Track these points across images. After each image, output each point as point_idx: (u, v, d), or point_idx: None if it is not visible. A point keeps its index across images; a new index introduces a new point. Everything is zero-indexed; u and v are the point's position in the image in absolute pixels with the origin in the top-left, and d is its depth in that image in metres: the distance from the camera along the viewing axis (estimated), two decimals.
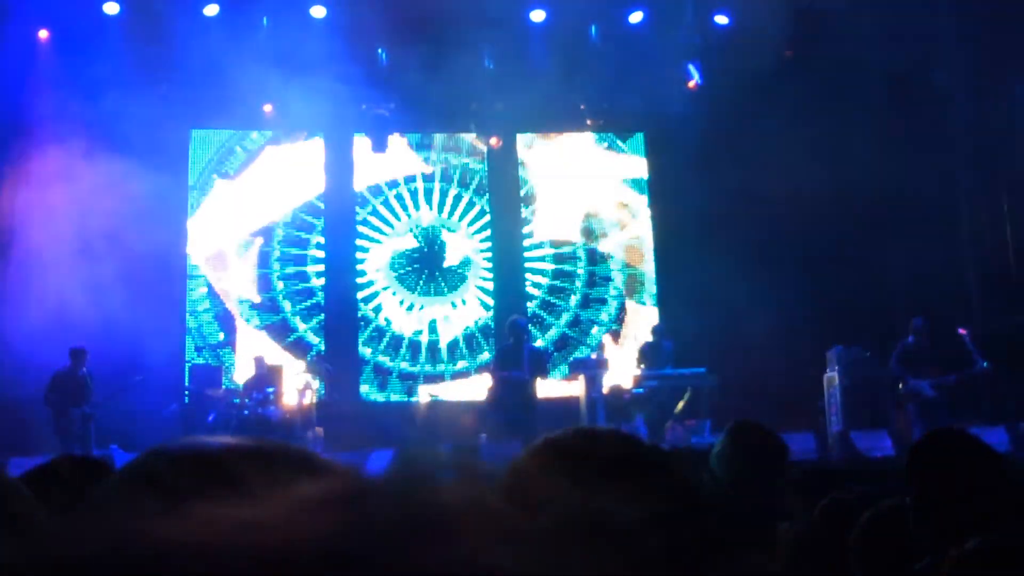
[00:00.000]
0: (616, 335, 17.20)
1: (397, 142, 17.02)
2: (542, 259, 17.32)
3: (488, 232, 17.21)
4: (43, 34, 15.05)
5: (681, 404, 14.13)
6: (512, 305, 16.23)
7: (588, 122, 17.30)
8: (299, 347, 16.31)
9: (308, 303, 16.58)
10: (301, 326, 16.45)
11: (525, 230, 17.35)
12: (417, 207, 17.16)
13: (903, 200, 15.17)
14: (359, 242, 16.86)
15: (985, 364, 12.72)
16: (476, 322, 16.87)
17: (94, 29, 15.08)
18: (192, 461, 0.72)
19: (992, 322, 14.48)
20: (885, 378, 13.24)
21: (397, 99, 16.25)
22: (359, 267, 16.77)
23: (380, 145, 16.71)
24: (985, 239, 15.90)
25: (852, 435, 12.86)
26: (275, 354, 15.78)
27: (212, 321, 16.22)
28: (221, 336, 16.16)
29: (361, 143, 16.86)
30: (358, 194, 16.97)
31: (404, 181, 17.18)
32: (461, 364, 16.72)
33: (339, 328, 16.47)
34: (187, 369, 15.56)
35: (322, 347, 16.29)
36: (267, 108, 16.13)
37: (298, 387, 14.24)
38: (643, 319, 17.03)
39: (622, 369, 15.16)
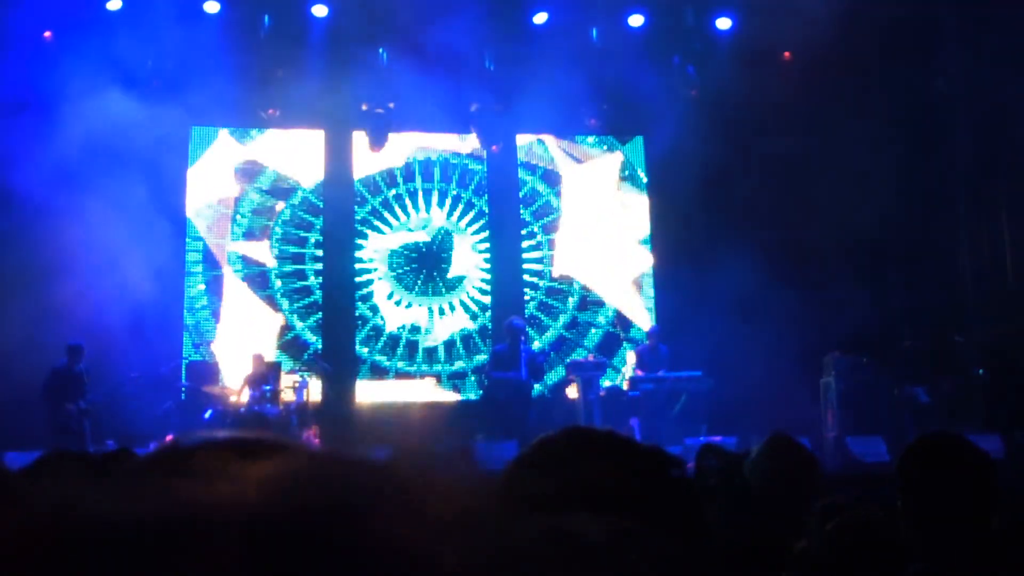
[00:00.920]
0: (615, 338, 17.20)
1: (396, 141, 17.02)
2: (540, 260, 17.32)
3: (487, 233, 17.21)
4: (47, 33, 15.02)
5: (677, 407, 14.15)
6: (509, 306, 16.24)
7: (591, 122, 17.29)
8: (296, 345, 16.33)
9: (306, 301, 16.57)
10: (298, 324, 16.45)
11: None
12: (416, 207, 17.16)
13: (903, 207, 15.19)
14: (357, 240, 16.86)
15: (980, 371, 12.75)
16: (475, 322, 16.87)
17: (96, 25, 15.07)
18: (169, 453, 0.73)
19: (988, 329, 14.49)
20: (881, 384, 13.26)
21: (397, 98, 16.26)
22: (357, 266, 16.76)
23: (379, 144, 16.74)
24: (982, 246, 15.91)
25: (848, 440, 12.89)
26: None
27: (209, 318, 16.21)
28: (218, 333, 16.16)
29: (361, 141, 16.87)
30: (357, 192, 16.98)
31: (403, 181, 17.19)
32: (457, 364, 16.73)
33: (336, 327, 16.46)
34: (184, 366, 15.55)
35: (319, 346, 16.30)
36: (271, 112, 16.19)
37: (294, 385, 14.27)
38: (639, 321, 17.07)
39: (619, 372, 15.19)
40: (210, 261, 16.38)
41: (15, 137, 14.05)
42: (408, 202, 17.16)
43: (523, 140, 17.55)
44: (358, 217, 16.91)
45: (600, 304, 17.29)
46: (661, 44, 16.37)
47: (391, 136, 16.81)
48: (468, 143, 17.32)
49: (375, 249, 16.90)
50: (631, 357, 15.90)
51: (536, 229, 17.42)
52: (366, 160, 17.00)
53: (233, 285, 16.39)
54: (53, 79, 14.48)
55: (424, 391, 16.43)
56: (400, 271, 16.91)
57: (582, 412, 14.07)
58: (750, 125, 15.70)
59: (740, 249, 15.21)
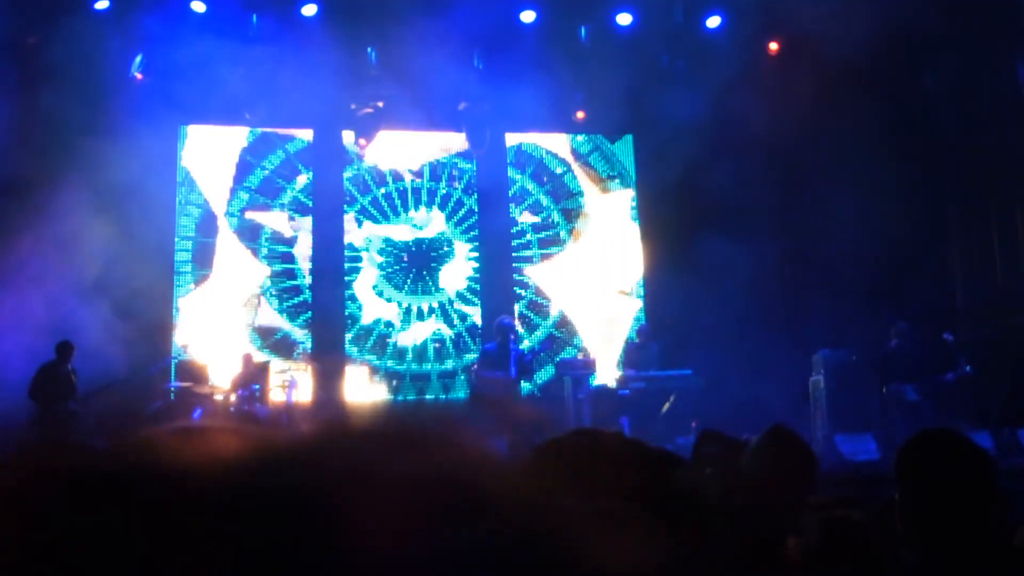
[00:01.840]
0: (603, 336, 17.22)
1: (385, 140, 17.03)
2: (530, 259, 17.32)
3: (476, 232, 17.22)
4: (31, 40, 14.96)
5: (666, 406, 14.16)
6: (499, 305, 16.25)
7: (578, 114, 17.28)
8: (285, 344, 16.32)
9: (295, 301, 16.55)
10: (287, 324, 16.43)
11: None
12: (406, 206, 17.15)
13: (894, 207, 15.20)
14: (347, 240, 16.86)
15: (968, 368, 12.78)
16: (462, 321, 16.87)
17: (83, 25, 15.02)
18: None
19: (977, 327, 14.53)
20: (870, 382, 13.28)
21: (386, 97, 16.25)
22: (347, 265, 16.76)
23: (368, 142, 16.78)
24: (973, 245, 15.97)
25: (837, 438, 12.91)
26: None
27: (199, 317, 16.18)
28: (208, 333, 16.13)
29: (350, 140, 16.90)
30: (346, 191, 16.97)
31: (392, 179, 17.18)
32: (446, 364, 16.72)
33: (326, 326, 16.45)
34: (173, 365, 15.51)
35: (308, 345, 16.29)
36: (246, 115, 16.25)
37: (283, 384, 14.26)
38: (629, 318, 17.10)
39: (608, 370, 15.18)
40: (199, 260, 16.35)
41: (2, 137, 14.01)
42: (397, 201, 17.14)
43: (512, 139, 17.57)
44: (347, 215, 16.91)
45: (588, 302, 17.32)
46: (650, 43, 16.36)
47: (379, 135, 16.82)
48: (457, 142, 17.31)
49: (366, 238, 16.91)
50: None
51: (526, 228, 17.42)
52: (355, 159, 17.01)
53: (223, 280, 16.38)
54: (41, 78, 14.44)
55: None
56: (390, 269, 16.90)
57: (571, 411, 14.08)
58: (740, 124, 15.71)
59: (729, 248, 15.22)
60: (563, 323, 17.23)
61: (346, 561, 0.63)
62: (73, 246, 13.84)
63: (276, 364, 15.76)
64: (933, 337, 13.05)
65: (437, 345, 16.68)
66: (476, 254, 17.18)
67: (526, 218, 17.49)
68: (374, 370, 16.50)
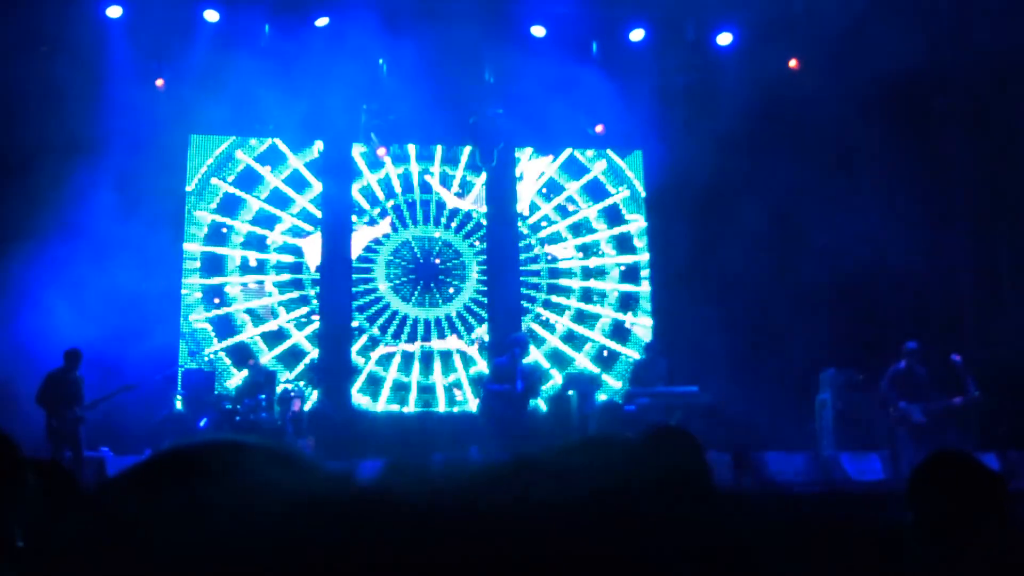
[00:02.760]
0: (610, 352, 17.19)
1: (395, 153, 17.08)
2: (538, 273, 17.32)
3: (484, 244, 17.22)
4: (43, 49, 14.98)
5: (672, 423, 14.11)
6: (506, 319, 16.26)
7: (597, 128, 17.28)
8: (292, 355, 16.33)
9: (302, 311, 16.56)
10: (294, 333, 16.43)
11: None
12: (415, 218, 17.16)
13: (904, 226, 15.17)
14: (355, 251, 16.87)
15: (977, 393, 12.71)
16: (470, 333, 16.86)
17: (96, 33, 15.08)
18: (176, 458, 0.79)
19: (986, 350, 14.48)
20: (877, 401, 13.25)
21: (397, 109, 16.28)
22: (355, 276, 16.76)
23: (378, 156, 16.83)
24: (981, 266, 15.94)
25: (843, 457, 12.88)
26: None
27: (205, 326, 16.20)
28: (215, 342, 16.14)
29: (359, 152, 16.94)
30: (356, 202, 16.99)
31: (402, 191, 17.20)
32: (452, 377, 16.71)
33: (333, 337, 16.45)
34: (180, 374, 15.52)
35: (315, 356, 16.29)
36: (259, 124, 16.29)
37: (288, 395, 14.19)
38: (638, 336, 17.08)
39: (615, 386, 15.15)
40: (207, 268, 16.37)
41: (13, 145, 14.05)
42: (406, 212, 17.16)
43: (522, 153, 17.57)
44: (356, 226, 16.92)
45: (596, 317, 17.29)
46: (661, 59, 16.36)
47: (390, 147, 16.86)
48: (467, 155, 17.33)
49: (373, 251, 16.93)
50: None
51: (534, 242, 17.42)
52: (365, 171, 17.04)
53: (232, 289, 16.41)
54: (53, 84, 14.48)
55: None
56: (398, 281, 16.91)
57: (577, 425, 14.06)
58: (750, 140, 15.71)
59: (738, 265, 15.23)
60: (569, 338, 17.20)
61: None
62: (80, 254, 13.86)
63: (283, 374, 15.76)
64: (941, 358, 13.01)
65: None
66: (483, 257, 17.17)
67: (534, 231, 17.48)
68: (379, 379, 16.51)
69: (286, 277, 16.63)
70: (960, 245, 16.20)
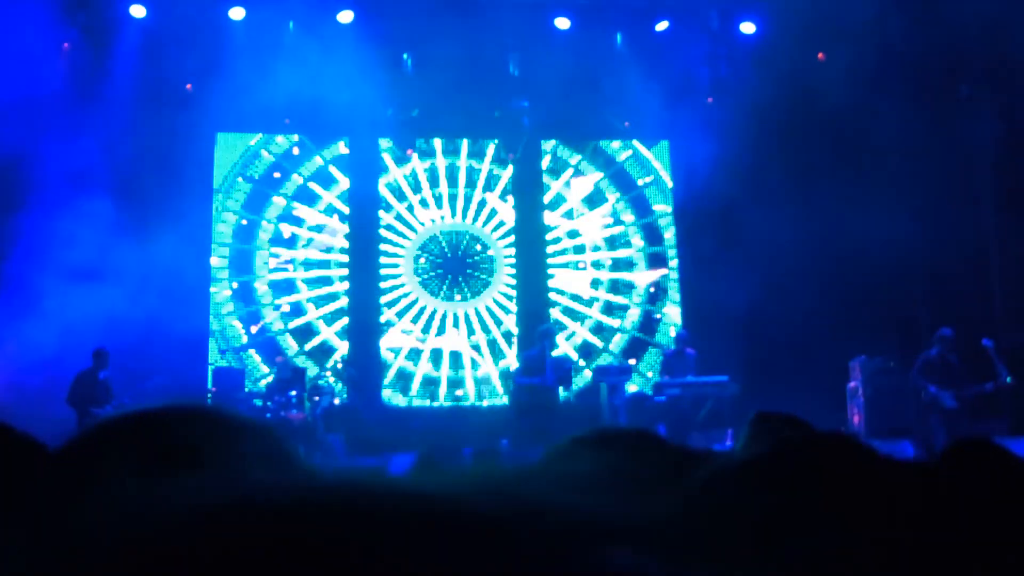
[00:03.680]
0: (640, 343, 17.18)
1: (422, 147, 17.11)
2: (566, 265, 17.30)
3: (512, 238, 17.22)
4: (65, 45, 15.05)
5: (702, 413, 14.08)
6: (535, 311, 16.27)
7: (625, 124, 17.27)
8: (322, 351, 16.38)
9: (332, 307, 16.60)
10: (324, 330, 16.48)
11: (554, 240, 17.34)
12: (441, 211, 17.18)
13: (932, 212, 15.08)
14: (383, 247, 16.89)
15: (1009, 379, 12.61)
16: (499, 327, 16.87)
17: (121, 31, 15.15)
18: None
19: (1017, 334, 14.37)
20: (908, 388, 13.18)
21: (422, 104, 16.30)
22: (383, 271, 16.79)
23: (404, 149, 16.87)
24: (1010, 251, 15.80)
25: (874, 444, 12.80)
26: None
27: (235, 324, 16.27)
28: (244, 339, 16.21)
29: (386, 147, 16.97)
30: (382, 198, 17.01)
31: (429, 185, 17.21)
32: (482, 371, 16.73)
33: (362, 332, 16.49)
34: (210, 372, 15.59)
35: (345, 351, 16.33)
36: (285, 121, 16.30)
37: (318, 391, 14.24)
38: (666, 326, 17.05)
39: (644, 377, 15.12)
40: (236, 266, 16.44)
41: (40, 144, 14.10)
42: (433, 206, 17.18)
43: (548, 145, 17.55)
44: (383, 222, 16.95)
45: (626, 308, 17.27)
46: (686, 49, 16.30)
47: (416, 141, 16.90)
48: (493, 148, 17.33)
49: (401, 247, 16.96)
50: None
51: (562, 235, 17.41)
52: (391, 166, 17.07)
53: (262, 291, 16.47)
54: (77, 86, 14.55)
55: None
56: (426, 275, 16.93)
57: (607, 417, 14.03)
58: (775, 129, 15.64)
59: (766, 254, 15.16)
60: (599, 329, 17.19)
61: None
62: (109, 252, 13.92)
63: (312, 370, 15.82)
64: (972, 344, 12.92)
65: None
66: (512, 250, 17.17)
67: (560, 222, 17.47)
68: (408, 374, 16.54)
69: (315, 274, 16.67)
70: (988, 230, 16.05)
